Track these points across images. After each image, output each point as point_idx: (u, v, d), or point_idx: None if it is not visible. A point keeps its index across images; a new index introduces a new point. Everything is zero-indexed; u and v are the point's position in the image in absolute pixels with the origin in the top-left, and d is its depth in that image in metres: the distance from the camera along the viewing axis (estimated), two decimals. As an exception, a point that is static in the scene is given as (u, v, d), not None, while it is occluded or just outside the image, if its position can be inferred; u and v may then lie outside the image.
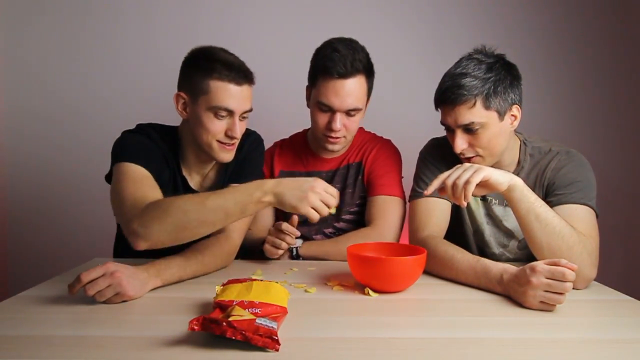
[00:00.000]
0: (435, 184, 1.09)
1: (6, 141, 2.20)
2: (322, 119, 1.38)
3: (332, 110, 1.36)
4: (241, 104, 1.17)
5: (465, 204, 1.07)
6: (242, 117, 1.21)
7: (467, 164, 1.10)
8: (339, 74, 1.32)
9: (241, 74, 1.16)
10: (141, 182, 1.10)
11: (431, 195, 1.29)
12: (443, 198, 1.30)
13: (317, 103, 1.37)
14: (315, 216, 0.99)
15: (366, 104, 1.43)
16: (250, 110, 1.21)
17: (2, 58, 2.17)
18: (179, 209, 0.99)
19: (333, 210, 1.04)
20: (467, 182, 1.04)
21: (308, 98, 1.45)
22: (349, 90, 1.33)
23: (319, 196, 0.99)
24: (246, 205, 0.99)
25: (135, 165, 1.12)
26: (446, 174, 1.09)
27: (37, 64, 2.18)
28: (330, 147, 1.43)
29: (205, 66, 1.15)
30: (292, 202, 0.98)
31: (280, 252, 1.31)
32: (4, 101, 2.18)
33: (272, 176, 1.52)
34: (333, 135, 1.39)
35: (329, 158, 1.50)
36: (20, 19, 2.16)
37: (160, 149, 1.22)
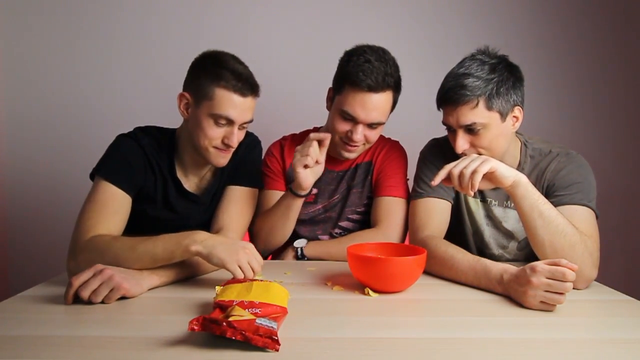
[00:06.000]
0: (442, 173, 1.09)
1: (6, 141, 2.20)
2: (343, 126, 1.36)
3: (354, 121, 1.34)
4: (243, 115, 1.18)
5: (472, 193, 1.07)
6: (242, 127, 1.21)
7: (474, 155, 1.10)
8: (369, 88, 1.28)
9: (247, 86, 1.17)
10: (103, 205, 1.12)
11: (433, 196, 1.30)
12: (444, 199, 1.30)
13: (340, 110, 1.35)
14: (239, 274, 0.99)
15: (388, 116, 1.41)
16: (251, 121, 1.22)
17: (2, 59, 2.17)
18: (111, 253, 1.01)
19: (259, 277, 1.04)
20: (474, 172, 1.04)
21: (329, 100, 1.43)
22: (376, 104, 1.31)
23: (247, 257, 1.00)
24: (173, 252, 1.00)
25: (107, 184, 1.14)
26: (452, 164, 1.09)
27: (36, 66, 2.18)
28: (346, 154, 1.41)
29: (214, 72, 1.15)
30: (221, 255, 0.98)
31: (309, 160, 1.25)
32: (3, 102, 2.18)
33: (283, 169, 1.51)
34: (351, 144, 1.37)
35: (344, 159, 1.48)
36: (19, 20, 2.16)
37: (146, 156, 1.22)
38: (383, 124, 1.37)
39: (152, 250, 1.00)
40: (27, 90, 2.19)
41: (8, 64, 2.17)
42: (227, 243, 1.02)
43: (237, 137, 1.20)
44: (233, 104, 1.15)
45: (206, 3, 2.19)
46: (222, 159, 1.23)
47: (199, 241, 1.00)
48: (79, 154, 2.18)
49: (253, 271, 1.01)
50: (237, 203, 1.29)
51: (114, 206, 1.13)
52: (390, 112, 1.40)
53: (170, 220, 1.26)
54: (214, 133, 1.18)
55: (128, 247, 1.01)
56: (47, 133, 2.20)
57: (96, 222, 1.08)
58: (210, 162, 1.23)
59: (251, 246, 1.04)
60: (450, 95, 1.17)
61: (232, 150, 1.23)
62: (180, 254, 1.01)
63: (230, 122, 1.17)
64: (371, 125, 1.35)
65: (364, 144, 1.39)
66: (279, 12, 2.21)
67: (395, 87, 1.35)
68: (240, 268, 0.99)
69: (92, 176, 1.19)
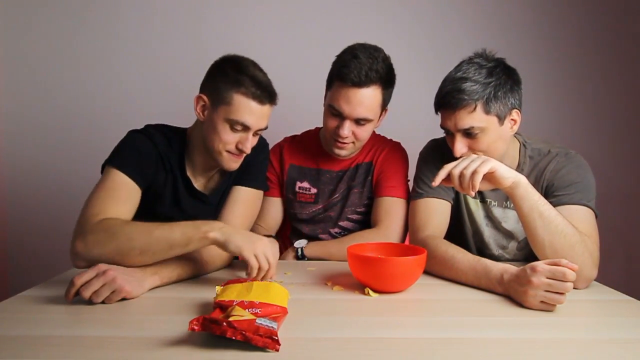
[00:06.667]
0: (442, 174, 1.09)
1: (6, 141, 2.20)
2: (332, 122, 1.37)
3: (341, 117, 1.35)
4: (259, 122, 1.18)
5: (473, 193, 1.07)
6: (256, 133, 1.22)
7: (474, 155, 1.10)
8: (353, 82, 1.30)
9: (266, 94, 1.17)
10: (113, 192, 1.10)
11: (433, 196, 1.30)
12: (444, 199, 1.30)
13: (328, 106, 1.37)
14: (254, 263, 1.01)
15: (381, 114, 1.41)
16: (266, 128, 1.22)
17: (2, 60, 2.17)
18: (125, 235, 0.99)
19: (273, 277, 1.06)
20: (474, 172, 1.04)
21: (325, 98, 1.44)
22: (360, 99, 1.32)
23: (264, 249, 1.02)
24: (191, 238, 1.00)
25: (118, 173, 1.12)
26: (452, 164, 1.09)
27: (36, 66, 2.18)
28: (336, 151, 1.42)
29: (234, 77, 1.15)
30: (238, 242, 1.00)
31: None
32: (3, 103, 2.18)
33: (282, 170, 1.52)
34: (340, 140, 1.38)
35: (336, 156, 1.48)
36: (20, 21, 2.16)
37: (158, 152, 1.22)
38: (371, 120, 1.37)
39: (169, 235, 0.99)
40: (27, 90, 2.19)
41: (9, 64, 2.17)
42: (245, 233, 1.04)
43: (251, 143, 1.20)
44: (250, 110, 1.15)
45: (208, 3, 2.19)
46: (234, 164, 1.23)
47: (217, 228, 1.01)
48: (80, 154, 2.18)
49: (269, 264, 1.02)
50: (242, 204, 1.29)
51: (125, 195, 1.12)
52: (383, 110, 1.40)
53: (178, 219, 1.26)
54: (229, 138, 1.18)
55: (144, 231, 1.00)
56: (48, 133, 2.20)
57: (106, 207, 1.06)
58: (222, 165, 1.23)
59: (268, 240, 1.06)
60: (448, 99, 1.17)
61: (245, 155, 1.23)
62: (198, 240, 1.01)
63: (246, 128, 1.17)
64: (358, 122, 1.35)
65: (353, 142, 1.40)
66: (280, 13, 2.21)
67: (383, 83, 1.34)
68: (256, 257, 1.00)
69: (103, 168, 1.18)
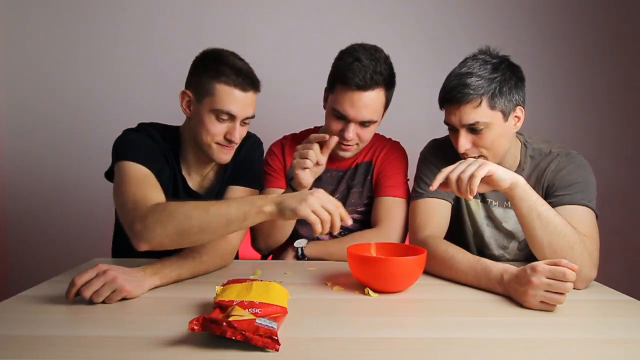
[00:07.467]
0: (440, 178, 1.09)
1: (6, 141, 2.20)
2: (336, 125, 1.37)
3: (346, 120, 1.34)
4: (244, 109, 1.18)
5: (471, 197, 1.07)
6: (244, 123, 1.22)
7: (470, 159, 1.10)
8: (357, 86, 1.29)
9: (248, 81, 1.17)
10: (143, 181, 1.11)
11: (434, 196, 1.29)
12: (444, 199, 1.30)
13: (332, 109, 1.36)
14: (314, 219, 0.97)
15: (383, 114, 1.41)
16: (253, 116, 1.22)
17: (2, 56, 2.17)
18: (182, 213, 1.00)
19: (345, 221, 1.00)
20: (472, 176, 1.04)
21: (325, 100, 1.43)
22: (365, 102, 1.31)
23: (319, 201, 0.98)
24: (247, 213, 1.00)
25: (137, 165, 1.13)
26: (450, 168, 1.09)
27: (36, 63, 2.19)
28: (341, 153, 1.42)
29: (214, 68, 1.16)
30: (291, 205, 0.98)
31: (309, 163, 1.23)
32: (3, 100, 2.18)
33: (284, 168, 1.52)
34: (345, 142, 1.38)
35: (340, 158, 1.49)
36: (20, 17, 2.16)
37: (160, 148, 1.23)
38: (375, 122, 1.37)
39: (225, 211, 1.00)
40: (27, 89, 2.19)
41: (8, 61, 2.17)
42: (296, 194, 1.01)
43: (239, 132, 1.20)
44: (234, 99, 1.16)
45: (208, 3, 2.19)
46: (225, 155, 1.23)
47: (270, 201, 1.00)
48: (80, 154, 2.18)
49: (330, 214, 0.98)
50: None
51: (151, 181, 1.12)
52: (385, 110, 1.40)
53: None
54: (216, 129, 1.18)
55: (200, 208, 1.00)
56: (48, 131, 2.20)
57: (146, 194, 1.06)
58: (213, 158, 1.23)
59: (320, 190, 1.02)
60: (453, 94, 1.17)
61: (235, 146, 1.23)
62: (254, 215, 1.00)
63: (231, 117, 1.18)
64: (363, 124, 1.35)
65: (357, 143, 1.40)
66: (280, 12, 2.22)
67: (386, 84, 1.34)
68: (315, 213, 0.97)
69: (108, 174, 1.19)
